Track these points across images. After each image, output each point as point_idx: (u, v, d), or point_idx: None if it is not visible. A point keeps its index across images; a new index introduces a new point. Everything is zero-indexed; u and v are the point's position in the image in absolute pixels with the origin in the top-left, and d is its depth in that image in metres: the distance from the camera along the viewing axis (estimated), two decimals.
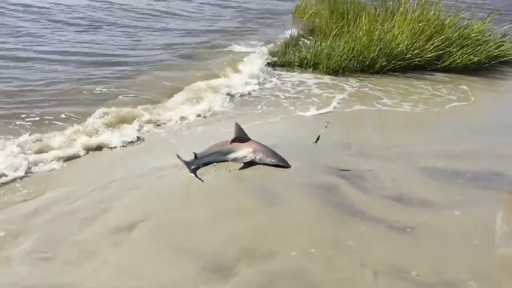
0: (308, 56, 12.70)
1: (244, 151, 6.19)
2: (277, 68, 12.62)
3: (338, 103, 9.94)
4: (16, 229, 4.75)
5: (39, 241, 4.57)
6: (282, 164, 6.11)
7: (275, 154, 6.18)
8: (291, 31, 14.95)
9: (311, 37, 13.91)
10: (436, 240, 4.62)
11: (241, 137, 6.30)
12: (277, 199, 5.25)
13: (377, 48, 12.42)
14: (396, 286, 3.91)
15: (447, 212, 5.11)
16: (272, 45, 14.20)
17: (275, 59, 13.01)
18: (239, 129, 6.34)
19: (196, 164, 6.12)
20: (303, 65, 12.64)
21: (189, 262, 4.17)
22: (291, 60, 12.85)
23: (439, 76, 12.69)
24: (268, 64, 12.54)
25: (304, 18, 19.06)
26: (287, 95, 10.43)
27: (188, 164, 5.99)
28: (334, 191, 5.53)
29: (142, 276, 4.02)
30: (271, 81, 11.45)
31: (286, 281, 3.94)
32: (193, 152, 6.11)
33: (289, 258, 4.23)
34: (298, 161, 6.37)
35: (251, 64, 12.19)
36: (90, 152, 6.73)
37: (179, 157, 5.98)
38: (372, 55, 12.41)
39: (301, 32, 14.48)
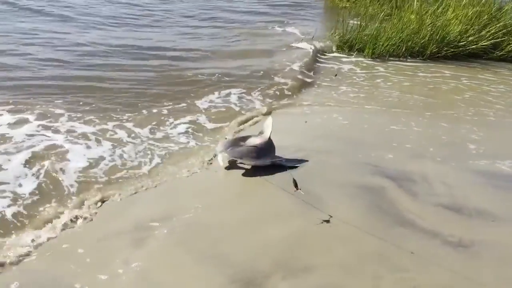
0: (353, 40, 11.96)
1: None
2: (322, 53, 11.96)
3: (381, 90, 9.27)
4: None
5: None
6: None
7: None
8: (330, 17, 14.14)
9: (354, 21, 13.10)
10: (499, 260, 4.01)
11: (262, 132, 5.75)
12: (317, 202, 4.71)
13: (428, 33, 11.54)
14: None
15: None
16: (314, 31, 13.47)
17: (321, 44, 12.37)
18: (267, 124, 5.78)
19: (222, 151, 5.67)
20: (345, 49, 11.91)
21: (215, 272, 3.71)
22: (335, 44, 12.16)
23: (496, 65, 11.71)
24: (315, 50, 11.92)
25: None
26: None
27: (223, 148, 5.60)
28: (380, 194, 4.96)
29: (163, 285, 3.60)
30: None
31: None
32: (225, 138, 5.91)
33: (329, 274, 3.72)
34: (341, 158, 5.83)
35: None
36: None
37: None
38: (422, 41, 11.55)
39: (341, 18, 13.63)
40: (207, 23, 14.06)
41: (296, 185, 4.87)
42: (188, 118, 7.22)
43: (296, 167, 5.41)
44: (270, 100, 8.48)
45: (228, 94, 8.52)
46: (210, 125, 7.07)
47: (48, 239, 4.20)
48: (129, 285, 3.60)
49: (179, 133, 6.65)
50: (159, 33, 12.70)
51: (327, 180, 5.22)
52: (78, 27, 12.09)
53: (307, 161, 5.59)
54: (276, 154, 5.60)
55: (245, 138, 5.81)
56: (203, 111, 7.62)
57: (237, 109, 7.91)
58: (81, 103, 7.33)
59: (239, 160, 5.28)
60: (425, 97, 9.22)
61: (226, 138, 5.91)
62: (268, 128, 5.70)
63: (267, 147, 5.48)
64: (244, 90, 8.80)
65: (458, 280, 3.72)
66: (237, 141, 5.72)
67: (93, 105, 7.36)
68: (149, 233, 4.23)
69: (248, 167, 5.35)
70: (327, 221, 4.31)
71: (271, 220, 4.39)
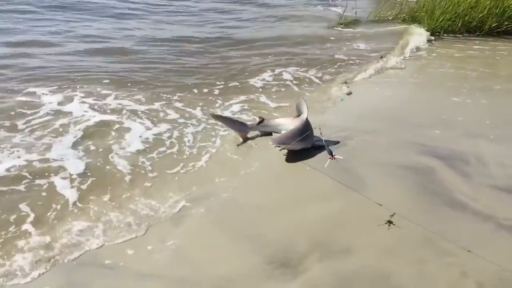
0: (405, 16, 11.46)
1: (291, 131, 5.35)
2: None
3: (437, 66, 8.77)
4: None
5: None
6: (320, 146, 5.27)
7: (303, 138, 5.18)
8: None
9: None
10: None
11: (300, 113, 5.61)
12: (359, 183, 4.49)
13: (487, 7, 10.78)
14: None
15: None
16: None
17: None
18: (300, 104, 5.64)
19: (251, 129, 5.74)
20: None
21: (251, 252, 3.62)
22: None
23: None
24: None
25: None
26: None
27: (242, 126, 5.69)
28: (428, 175, 4.67)
29: (198, 265, 3.54)
30: None
31: (365, 285, 3.26)
32: (260, 117, 5.79)
33: (369, 257, 3.52)
34: (387, 137, 5.54)
35: None
36: None
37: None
38: (481, 15, 10.82)
39: None
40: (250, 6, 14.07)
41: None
42: (242, 97, 7.16)
43: (330, 146, 5.21)
44: (328, 77, 8.29)
45: (281, 73, 8.41)
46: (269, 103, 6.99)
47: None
48: (165, 263, 3.58)
49: (233, 112, 6.59)
50: (202, 17, 12.79)
51: (370, 161, 4.98)
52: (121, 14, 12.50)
53: (345, 142, 5.36)
54: (316, 134, 5.43)
55: (282, 122, 5.70)
56: (260, 89, 7.55)
57: (295, 88, 7.77)
58: (129, 84, 7.46)
59: (281, 147, 5.10)
60: (481, 73, 8.62)
61: (260, 118, 5.78)
62: (304, 109, 5.51)
63: (307, 130, 5.29)
64: (298, 68, 8.71)
65: (511, 264, 3.41)
66: (275, 125, 5.72)
67: (142, 85, 7.47)
68: (186, 212, 4.19)
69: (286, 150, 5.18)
70: (390, 222, 3.93)
71: (309, 201, 4.23)
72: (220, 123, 5.84)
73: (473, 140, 5.52)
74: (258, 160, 5.10)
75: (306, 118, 5.39)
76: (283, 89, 7.66)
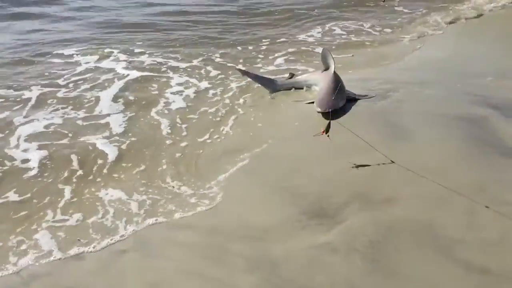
0: None
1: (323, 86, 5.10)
2: None
3: None
4: None
5: None
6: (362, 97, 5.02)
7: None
8: None
9: None
10: None
11: (327, 67, 5.31)
12: (406, 132, 4.20)
13: None
14: None
15: None
16: None
17: None
18: (325, 56, 5.32)
19: (281, 85, 5.59)
20: None
21: (286, 204, 3.47)
22: None
23: None
24: None
25: None
26: None
27: (272, 82, 5.56)
28: (481, 125, 4.30)
29: (232, 215, 3.45)
30: None
31: (406, 236, 3.03)
32: (290, 72, 5.67)
33: (413, 207, 3.27)
34: (435, 88, 5.17)
35: None
36: None
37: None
38: None
39: None
40: None
41: (327, 130, 3.81)
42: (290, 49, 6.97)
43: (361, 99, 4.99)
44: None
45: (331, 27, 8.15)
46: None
47: None
48: (199, 214, 3.50)
49: (279, 65, 6.40)
50: None
51: (417, 111, 4.64)
52: None
53: (389, 94, 5.03)
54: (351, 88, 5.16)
55: (312, 77, 5.45)
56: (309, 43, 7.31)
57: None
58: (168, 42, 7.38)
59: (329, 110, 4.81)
60: None
61: (290, 74, 5.60)
62: (331, 62, 5.20)
63: (340, 84, 5.01)
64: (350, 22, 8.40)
65: None
66: (304, 81, 5.56)
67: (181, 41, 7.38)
68: (221, 163, 4.10)
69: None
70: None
71: (347, 154, 3.94)
72: (249, 79, 5.67)
73: None
74: (293, 114, 4.92)
75: (334, 72, 5.10)
76: (335, 41, 7.36)
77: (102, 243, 3.29)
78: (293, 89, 5.57)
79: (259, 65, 6.43)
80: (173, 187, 3.89)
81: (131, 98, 5.46)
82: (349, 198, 3.42)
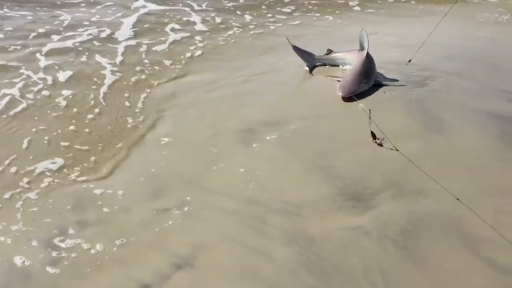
0: None
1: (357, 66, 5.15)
2: None
3: None
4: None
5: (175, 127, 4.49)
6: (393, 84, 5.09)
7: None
8: None
9: None
10: None
11: (363, 48, 5.32)
12: (439, 124, 4.30)
13: None
14: None
15: None
16: None
17: None
18: (362, 37, 5.32)
19: (319, 60, 5.73)
20: None
21: (323, 183, 3.64)
22: None
23: None
24: None
25: None
26: None
27: (310, 57, 5.68)
28: None
29: (267, 187, 3.63)
30: None
31: (436, 229, 3.21)
32: (328, 49, 5.75)
33: (444, 201, 3.42)
34: (470, 81, 5.21)
35: None
36: None
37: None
38: None
39: None
40: None
41: (374, 136, 4.06)
42: None
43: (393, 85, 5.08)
44: None
45: None
46: None
47: None
48: (238, 184, 3.69)
49: None
50: None
51: (453, 104, 4.72)
52: None
53: (426, 82, 5.09)
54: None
55: (347, 56, 5.50)
56: None
57: None
58: None
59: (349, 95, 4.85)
60: None
61: (328, 50, 5.68)
62: (365, 44, 5.23)
63: (368, 69, 5.09)
64: None
65: None
66: (340, 59, 5.63)
67: None
68: (259, 136, 4.24)
69: None
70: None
71: (389, 137, 4.06)
72: (293, 52, 5.70)
73: None
74: (330, 91, 4.98)
75: (366, 56, 5.15)
76: None
77: None
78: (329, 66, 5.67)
79: None
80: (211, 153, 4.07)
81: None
82: (383, 185, 3.58)
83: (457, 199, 3.34)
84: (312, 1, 8.14)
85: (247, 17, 7.53)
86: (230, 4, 8.02)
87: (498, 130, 4.26)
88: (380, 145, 4.00)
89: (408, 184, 3.59)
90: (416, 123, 4.34)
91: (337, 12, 7.93)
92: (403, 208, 3.36)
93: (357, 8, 8.23)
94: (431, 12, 8.16)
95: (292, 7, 7.96)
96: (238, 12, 7.71)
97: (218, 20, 7.38)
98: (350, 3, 8.40)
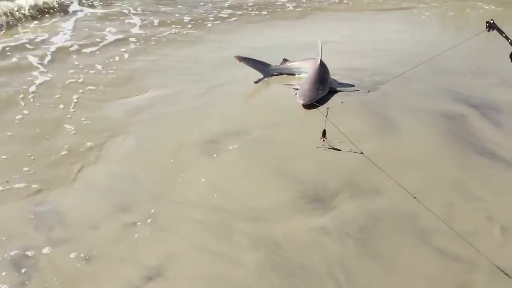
0: None
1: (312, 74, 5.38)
2: None
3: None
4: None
5: (137, 141, 4.55)
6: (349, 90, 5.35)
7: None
8: None
9: None
10: None
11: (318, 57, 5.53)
12: (392, 125, 4.57)
13: None
14: None
15: None
16: None
17: None
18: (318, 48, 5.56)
19: (274, 70, 5.90)
20: None
21: (285, 187, 3.80)
22: None
23: None
24: None
25: None
26: None
27: (265, 67, 5.83)
28: (461, 122, 4.70)
29: (231, 195, 3.76)
30: None
31: (391, 224, 3.42)
32: (284, 58, 5.94)
33: (398, 198, 3.65)
34: (418, 83, 5.53)
35: None
36: None
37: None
38: None
39: None
40: None
41: (324, 135, 4.24)
42: None
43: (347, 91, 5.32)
44: None
45: None
46: None
47: None
48: (203, 194, 3.79)
49: None
50: None
51: (404, 105, 5.01)
52: None
53: (377, 86, 5.37)
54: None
55: (302, 65, 5.71)
56: None
57: None
58: None
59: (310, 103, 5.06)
60: None
61: (284, 59, 5.86)
62: (318, 53, 5.48)
63: (324, 76, 5.33)
64: None
65: None
66: (295, 68, 5.82)
67: None
68: (222, 146, 4.36)
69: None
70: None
71: (344, 140, 4.30)
72: (244, 64, 5.87)
73: (508, 90, 5.47)
74: (287, 101, 5.18)
75: (320, 64, 5.39)
76: None
77: None
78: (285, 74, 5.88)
79: None
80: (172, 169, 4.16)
81: None
82: (342, 186, 3.78)
83: (414, 197, 3.57)
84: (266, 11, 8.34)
85: (201, 29, 7.69)
86: (187, 19, 8.18)
87: (445, 128, 4.56)
88: (334, 148, 4.19)
89: (365, 184, 3.80)
90: (370, 125, 4.59)
91: (289, 20, 8.21)
92: (361, 207, 3.57)
93: (308, 17, 8.55)
94: (381, 19, 8.59)
95: (248, 20, 8.18)
96: (190, 26, 7.90)
97: (173, 32, 7.51)
98: (299, 11, 8.73)
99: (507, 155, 4.17)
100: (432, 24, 8.38)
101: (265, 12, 9.18)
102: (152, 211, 3.62)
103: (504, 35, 4.26)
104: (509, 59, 3.94)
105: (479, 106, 5.02)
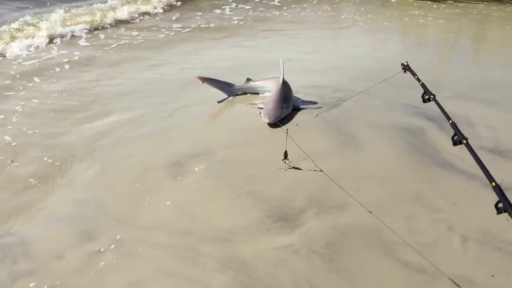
0: None
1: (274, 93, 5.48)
2: None
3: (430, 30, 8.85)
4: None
5: (101, 166, 4.49)
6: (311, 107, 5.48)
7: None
8: None
9: None
10: None
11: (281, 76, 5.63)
12: (353, 141, 4.69)
13: None
14: (488, 257, 3.33)
15: None
16: None
17: None
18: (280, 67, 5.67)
19: (238, 89, 5.98)
20: None
21: (251, 208, 3.83)
22: None
23: None
24: None
25: None
26: None
27: (229, 87, 5.91)
28: (419, 135, 4.87)
29: (198, 217, 3.75)
30: None
31: (357, 239, 3.49)
32: (247, 78, 6.02)
33: (362, 212, 3.73)
34: (379, 98, 5.70)
35: None
36: None
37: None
38: None
39: None
40: None
41: (285, 156, 4.28)
42: None
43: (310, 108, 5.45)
44: None
45: None
46: None
47: None
48: (170, 217, 3.77)
49: None
50: None
51: (365, 121, 5.15)
52: None
53: (339, 103, 5.50)
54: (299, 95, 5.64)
55: (266, 84, 5.80)
56: None
57: None
58: None
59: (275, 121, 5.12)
60: (473, 38, 8.76)
61: (248, 79, 5.95)
62: (280, 72, 5.58)
63: (287, 94, 5.43)
64: None
65: (495, 221, 3.64)
66: (259, 87, 5.90)
67: None
68: (188, 168, 4.36)
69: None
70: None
71: (305, 160, 4.37)
72: (208, 85, 5.90)
73: (463, 102, 5.70)
74: (252, 121, 5.24)
75: (283, 82, 5.49)
76: None
77: None
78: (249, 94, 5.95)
79: None
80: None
81: None
82: (307, 204, 3.84)
83: (370, 212, 3.67)
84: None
85: (163, 52, 7.71)
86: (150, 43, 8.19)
87: (405, 142, 4.72)
88: (295, 168, 4.26)
89: (329, 200, 3.87)
90: (333, 142, 4.70)
91: (252, 39, 8.34)
92: (326, 223, 3.62)
93: (271, 36, 8.71)
94: (340, 36, 8.84)
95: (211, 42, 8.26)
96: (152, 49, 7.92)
97: (135, 55, 7.51)
98: (262, 31, 8.90)
99: (463, 166, 4.33)
100: (390, 40, 8.66)
101: (227, 33, 9.27)
102: (118, 237, 3.56)
103: (416, 77, 4.52)
104: (421, 99, 4.18)
105: (436, 119, 5.19)
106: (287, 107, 5.29)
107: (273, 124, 5.02)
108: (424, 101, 4.16)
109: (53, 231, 3.72)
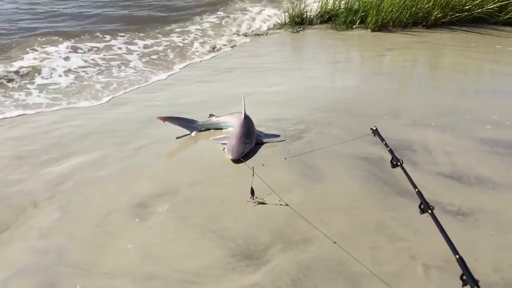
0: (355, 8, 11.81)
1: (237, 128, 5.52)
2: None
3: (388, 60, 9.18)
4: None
5: (61, 212, 4.38)
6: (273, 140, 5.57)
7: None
8: None
9: None
10: (498, 229, 4.01)
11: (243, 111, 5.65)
12: (315, 173, 4.75)
13: None
14: (450, 284, 3.39)
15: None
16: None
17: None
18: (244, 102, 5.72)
19: (201, 126, 6.00)
20: (347, 22, 11.80)
21: (216, 247, 3.80)
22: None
23: (502, 30, 11.48)
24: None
25: None
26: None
27: (192, 123, 5.93)
28: (380, 164, 4.97)
29: (162, 260, 3.69)
30: None
31: (323, 273, 3.50)
32: (210, 114, 6.06)
33: (327, 246, 3.76)
34: (342, 128, 5.82)
35: None
36: None
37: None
38: (427, 6, 11.32)
39: None
40: None
41: (252, 193, 4.32)
42: None
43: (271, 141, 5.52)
44: None
45: None
46: None
47: None
48: (133, 261, 3.69)
49: None
50: None
51: (327, 152, 5.23)
52: None
53: (302, 135, 5.60)
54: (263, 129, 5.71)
55: (229, 119, 5.85)
56: None
57: None
58: None
59: (229, 157, 5.14)
60: (428, 66, 9.14)
61: (211, 115, 6.03)
62: (242, 107, 5.64)
63: (250, 129, 5.48)
64: None
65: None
66: (222, 122, 5.96)
67: None
68: (151, 209, 4.31)
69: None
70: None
71: (269, 195, 4.40)
72: (170, 124, 5.89)
73: (419, 129, 5.87)
74: (215, 157, 5.25)
75: (245, 117, 5.53)
76: None
77: None
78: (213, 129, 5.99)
79: None
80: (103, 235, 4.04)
81: None
82: (272, 240, 3.84)
83: (334, 242, 3.70)
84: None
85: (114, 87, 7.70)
86: (109, 80, 8.16)
87: (366, 172, 4.81)
88: (262, 203, 4.28)
89: (294, 235, 3.88)
90: (296, 175, 4.74)
91: (214, 74, 8.44)
92: (292, 259, 3.63)
93: (233, 70, 8.84)
94: (301, 67, 9.04)
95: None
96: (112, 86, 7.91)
97: (94, 93, 7.47)
98: (224, 66, 9.03)
99: (424, 194, 4.42)
100: (350, 70, 8.93)
101: (189, 68, 9.36)
102: (78, 286, 3.46)
103: (384, 142, 4.75)
104: (390, 165, 4.45)
105: (395, 147, 5.31)
106: (250, 142, 5.33)
107: (237, 160, 5.04)
108: (393, 166, 4.41)
109: (10, 284, 3.57)
